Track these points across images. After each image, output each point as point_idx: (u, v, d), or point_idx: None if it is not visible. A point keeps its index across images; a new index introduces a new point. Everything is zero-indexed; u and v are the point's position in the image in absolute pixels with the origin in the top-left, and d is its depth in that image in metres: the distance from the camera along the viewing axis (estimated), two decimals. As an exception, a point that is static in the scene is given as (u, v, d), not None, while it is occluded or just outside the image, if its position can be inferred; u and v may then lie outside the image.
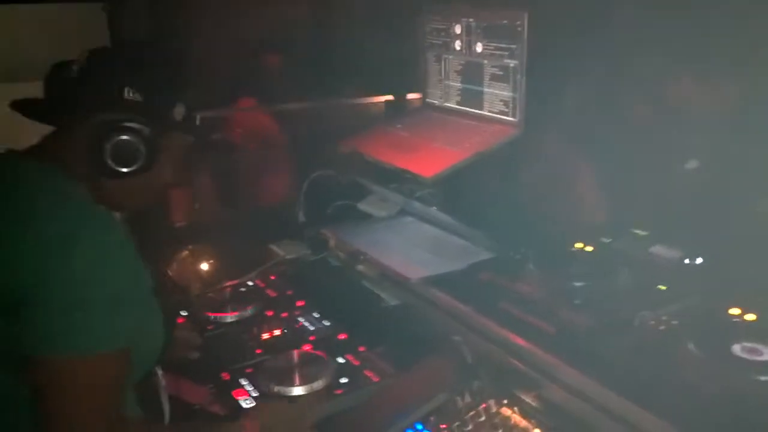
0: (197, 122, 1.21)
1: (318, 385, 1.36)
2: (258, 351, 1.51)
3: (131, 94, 1.11)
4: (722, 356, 1.09)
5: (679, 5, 1.43)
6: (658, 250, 1.45)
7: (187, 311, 1.67)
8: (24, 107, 1.15)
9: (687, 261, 1.40)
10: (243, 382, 1.40)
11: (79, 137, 1.11)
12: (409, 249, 1.69)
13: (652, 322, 1.22)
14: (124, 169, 1.11)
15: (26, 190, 1.08)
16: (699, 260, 1.39)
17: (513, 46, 1.65)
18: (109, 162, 1.09)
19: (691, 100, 1.50)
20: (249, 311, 1.66)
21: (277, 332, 1.58)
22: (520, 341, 1.27)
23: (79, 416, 1.02)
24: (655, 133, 1.55)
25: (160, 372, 1.28)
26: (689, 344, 1.12)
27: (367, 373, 1.41)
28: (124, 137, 1.09)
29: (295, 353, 1.46)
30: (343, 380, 1.38)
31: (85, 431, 1.02)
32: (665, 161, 1.53)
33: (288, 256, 1.89)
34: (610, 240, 1.53)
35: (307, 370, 1.40)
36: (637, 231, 1.53)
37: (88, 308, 1.00)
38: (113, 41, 1.77)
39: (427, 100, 1.97)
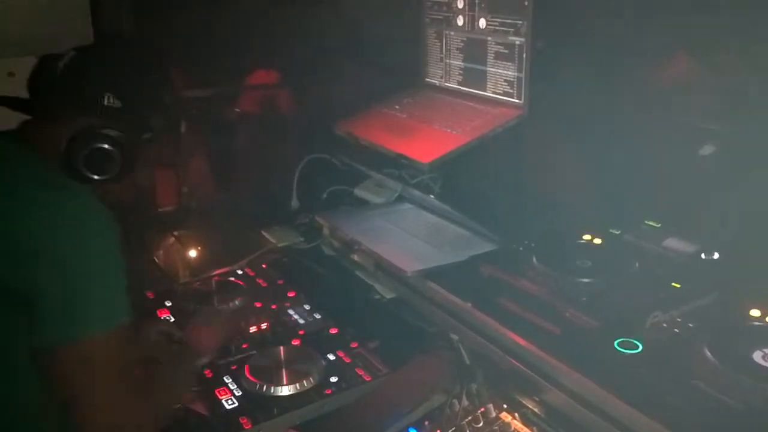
0: (183, 129, 1.24)
1: (306, 384, 1.30)
2: (244, 346, 1.43)
3: (111, 101, 1.10)
4: (741, 364, 1.00)
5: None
6: (671, 243, 1.36)
7: (171, 301, 1.59)
8: (10, 102, 1.16)
9: (703, 256, 1.30)
10: (227, 380, 1.33)
11: (57, 136, 1.10)
12: (406, 238, 1.60)
13: (665, 325, 1.13)
14: (96, 177, 1.10)
15: (5, 177, 1.07)
16: (716, 255, 1.30)
17: (519, 22, 1.54)
18: (82, 169, 1.09)
19: (709, 82, 1.40)
20: (236, 302, 1.59)
21: (264, 326, 1.51)
22: (522, 342, 1.19)
23: (102, 396, 1.04)
24: (670, 116, 1.45)
25: None
26: (705, 350, 1.02)
27: (359, 371, 1.34)
28: (99, 145, 1.09)
29: (283, 350, 1.39)
30: (333, 379, 1.32)
31: (111, 409, 1.05)
32: (680, 147, 1.43)
33: (280, 244, 1.81)
34: (620, 232, 1.44)
35: (296, 367, 1.34)
36: (650, 222, 1.43)
37: (82, 295, 1.02)
38: (95, 27, 1.67)
39: (427, 79, 1.86)
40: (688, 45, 1.36)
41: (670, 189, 1.44)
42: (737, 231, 1.30)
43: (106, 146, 1.09)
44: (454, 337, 1.30)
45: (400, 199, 1.81)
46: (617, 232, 1.44)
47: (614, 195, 1.48)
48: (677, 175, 1.42)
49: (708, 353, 1.02)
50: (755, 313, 1.13)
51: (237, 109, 2.17)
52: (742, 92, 1.30)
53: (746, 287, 1.20)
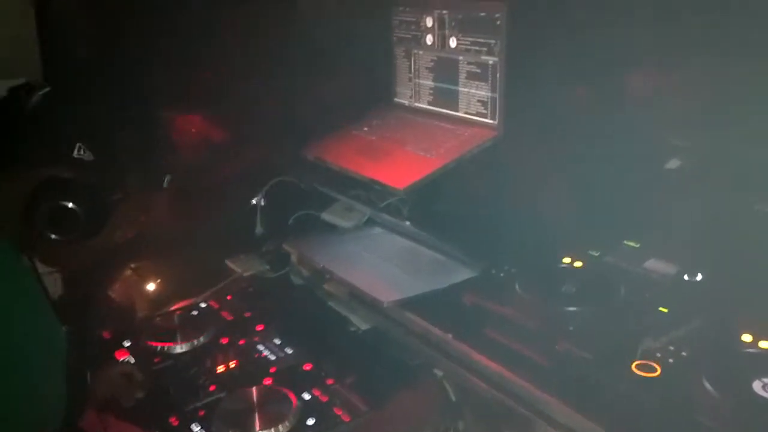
0: (165, 185, 1.03)
1: (282, 428, 1.21)
2: (212, 388, 1.34)
3: (82, 152, 0.96)
4: (742, 396, 0.96)
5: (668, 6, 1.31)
6: (652, 264, 1.33)
7: (130, 341, 1.49)
8: None
9: (686, 277, 1.27)
10: (195, 427, 1.23)
11: (11, 188, 0.96)
12: (381, 265, 1.53)
13: (659, 354, 1.09)
14: (59, 237, 0.98)
15: None
16: (698, 277, 1.27)
17: (491, 41, 1.51)
18: (43, 229, 0.96)
19: (687, 101, 1.39)
20: (201, 339, 1.49)
21: (233, 364, 1.41)
22: (509, 375, 1.13)
23: None
24: (647, 134, 1.43)
25: None
26: (704, 382, 0.99)
27: (337, 411, 1.26)
28: (63, 202, 0.96)
29: (255, 391, 1.30)
30: (310, 421, 1.23)
31: None
32: (659, 166, 1.41)
33: (245, 274, 1.72)
34: (600, 253, 1.41)
35: (269, 410, 1.25)
36: (629, 243, 1.40)
37: None
38: (40, 37, 1.56)
39: (396, 99, 1.81)
40: (667, 63, 1.34)
41: (648, 208, 1.41)
42: (718, 252, 1.28)
43: (70, 202, 0.96)
44: (438, 372, 1.24)
45: (370, 222, 1.75)
46: (596, 254, 1.41)
47: (592, 215, 1.45)
48: (655, 194, 1.40)
49: (708, 386, 0.98)
50: (747, 338, 1.10)
51: (194, 130, 2.08)
52: (722, 110, 1.29)
53: (733, 309, 1.17)
